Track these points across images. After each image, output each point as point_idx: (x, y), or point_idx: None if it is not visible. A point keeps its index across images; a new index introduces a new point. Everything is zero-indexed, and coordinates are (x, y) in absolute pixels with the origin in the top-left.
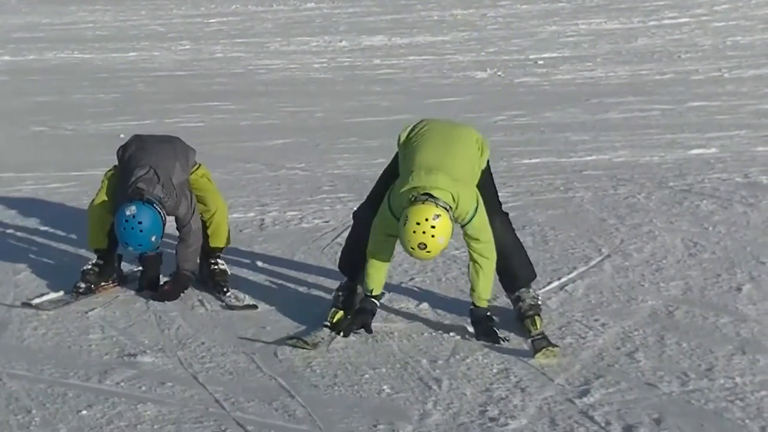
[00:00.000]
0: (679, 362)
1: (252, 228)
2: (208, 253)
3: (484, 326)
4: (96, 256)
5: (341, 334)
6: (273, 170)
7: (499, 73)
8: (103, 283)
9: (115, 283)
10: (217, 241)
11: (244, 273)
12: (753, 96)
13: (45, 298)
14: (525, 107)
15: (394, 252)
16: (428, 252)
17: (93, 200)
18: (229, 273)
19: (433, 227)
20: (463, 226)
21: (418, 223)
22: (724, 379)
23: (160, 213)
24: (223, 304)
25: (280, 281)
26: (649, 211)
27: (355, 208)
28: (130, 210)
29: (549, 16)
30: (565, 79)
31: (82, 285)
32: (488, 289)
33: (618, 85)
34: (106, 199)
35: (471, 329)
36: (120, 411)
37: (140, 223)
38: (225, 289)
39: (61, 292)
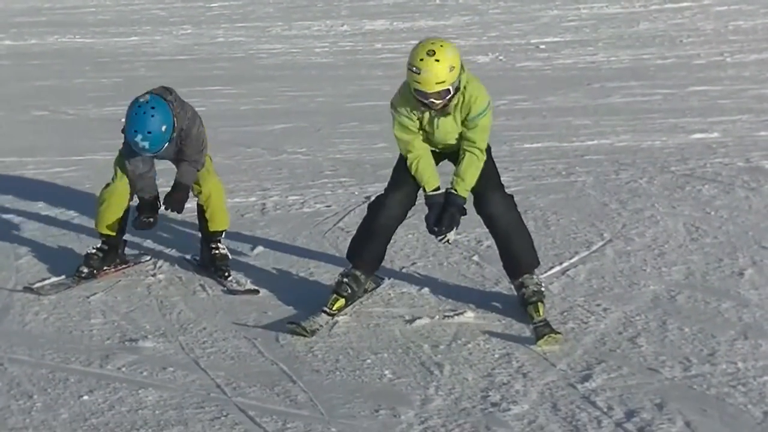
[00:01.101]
0: (681, 347)
1: (253, 212)
2: (208, 237)
3: (454, 215)
4: (101, 241)
5: (446, 234)
6: (274, 155)
7: (501, 57)
8: (105, 268)
9: (117, 269)
10: (216, 225)
11: (246, 258)
12: (755, 80)
13: (46, 282)
14: (526, 92)
15: (414, 200)
16: (437, 60)
17: (108, 185)
18: (230, 257)
19: (441, 46)
20: (472, 119)
21: (426, 38)
22: (727, 364)
23: (171, 112)
24: (225, 288)
25: (281, 266)
26: (650, 195)
27: (358, 193)
28: (144, 98)
29: (551, 1)
30: (567, 64)
31: (85, 270)
32: (473, 183)
33: (620, 69)
34: (121, 184)
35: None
36: (121, 396)
37: (153, 108)
38: (227, 274)
39: (63, 276)
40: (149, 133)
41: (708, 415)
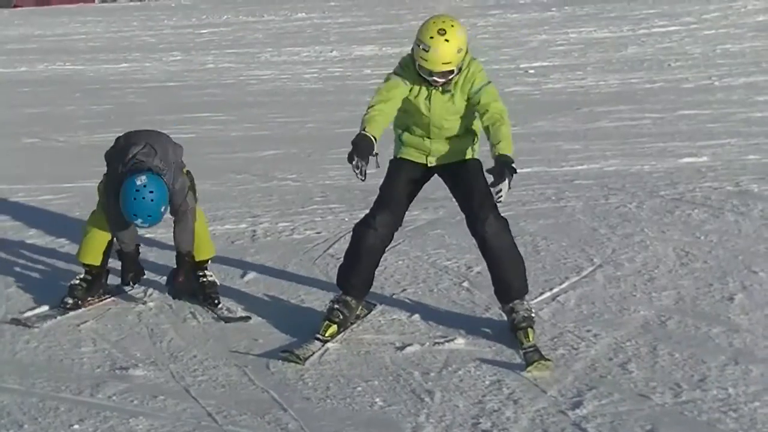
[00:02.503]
0: (671, 373)
1: (244, 239)
2: (195, 267)
3: (505, 170)
4: (84, 271)
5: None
6: (264, 181)
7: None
8: (89, 299)
9: (102, 299)
10: (202, 254)
11: (237, 284)
12: (743, 104)
13: (32, 313)
14: (515, 116)
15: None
16: (447, 40)
17: (92, 214)
18: (218, 284)
19: (452, 26)
20: (476, 93)
21: (438, 16)
22: (717, 389)
23: (166, 184)
24: (216, 316)
25: (272, 293)
26: (640, 220)
27: (348, 220)
28: (141, 179)
29: (539, 25)
30: (556, 88)
31: (69, 300)
32: (510, 140)
33: (608, 93)
34: (103, 214)
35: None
36: (112, 425)
37: (151, 192)
38: (216, 301)
39: (46, 308)
40: (149, 216)
41: None
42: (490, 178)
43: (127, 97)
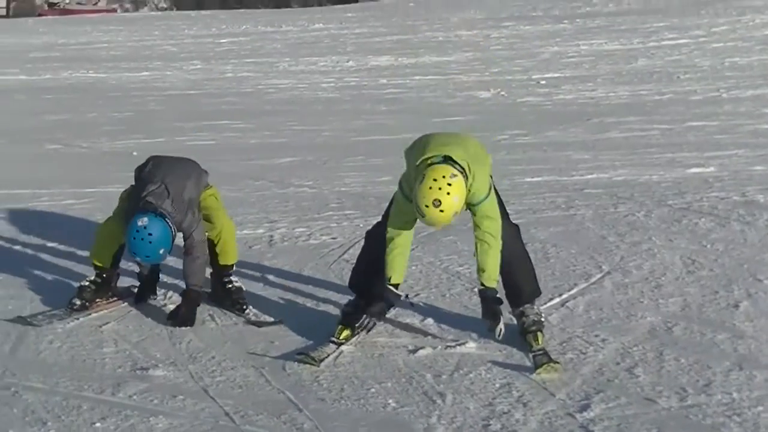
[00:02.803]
0: (677, 378)
1: (261, 244)
2: (220, 272)
3: (493, 307)
4: (95, 274)
5: (359, 330)
6: (281, 187)
7: (502, 92)
8: (97, 300)
9: (109, 301)
10: (226, 259)
11: (254, 288)
12: (751, 116)
13: (38, 313)
14: (527, 126)
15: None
16: (441, 211)
17: (108, 218)
18: (244, 290)
19: (449, 185)
20: (473, 206)
21: (435, 180)
22: (722, 394)
23: (170, 227)
24: (246, 320)
25: (288, 296)
26: (648, 228)
27: (363, 226)
28: (143, 221)
29: (551, 37)
30: (567, 99)
31: (77, 301)
32: (497, 270)
33: (618, 105)
34: (119, 220)
35: (470, 339)
36: (133, 423)
37: (150, 234)
38: (244, 307)
39: (49, 308)
40: (147, 256)
41: None
42: (486, 322)
43: (148, 105)
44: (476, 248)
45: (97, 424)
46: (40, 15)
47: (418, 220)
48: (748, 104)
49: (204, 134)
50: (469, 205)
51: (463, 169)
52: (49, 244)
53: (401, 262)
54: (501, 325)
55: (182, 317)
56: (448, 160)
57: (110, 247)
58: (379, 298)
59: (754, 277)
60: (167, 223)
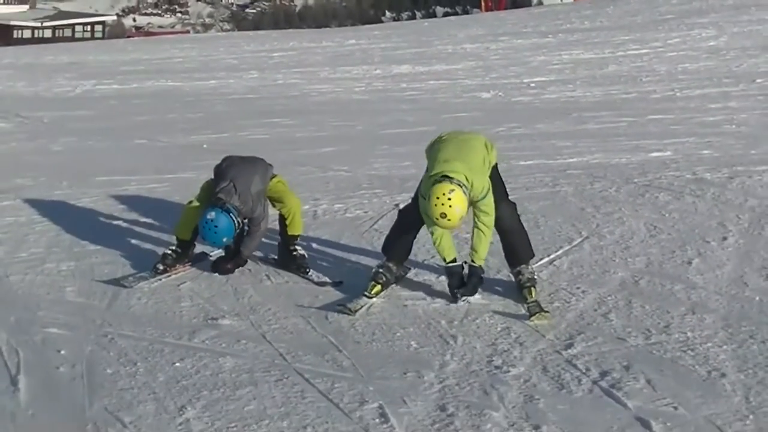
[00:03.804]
0: (643, 321)
1: (307, 218)
2: (288, 240)
3: (476, 284)
4: (176, 244)
5: (459, 295)
6: (323, 172)
7: (500, 93)
8: (177, 265)
9: (186, 268)
10: (294, 230)
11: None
12: (699, 111)
13: (130, 276)
14: (520, 120)
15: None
16: (449, 220)
17: (190, 201)
18: (306, 257)
19: (449, 199)
20: (476, 202)
21: (438, 197)
22: (679, 333)
23: (234, 221)
24: (309, 281)
25: (329, 260)
26: (618, 201)
27: (389, 202)
28: (211, 215)
29: (539, 48)
30: (552, 98)
31: (161, 266)
32: (485, 253)
33: (593, 102)
34: (198, 203)
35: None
36: (205, 363)
37: (216, 226)
38: (307, 270)
39: (141, 272)
40: (213, 242)
41: (664, 374)
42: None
43: (216, 107)
44: (473, 233)
45: (177, 364)
46: (128, 37)
47: None
48: (697, 101)
49: (260, 130)
50: (472, 202)
51: (460, 182)
52: (137, 219)
53: (448, 243)
54: (465, 296)
55: (224, 269)
56: (446, 178)
57: (191, 224)
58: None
59: (703, 239)
60: (232, 218)
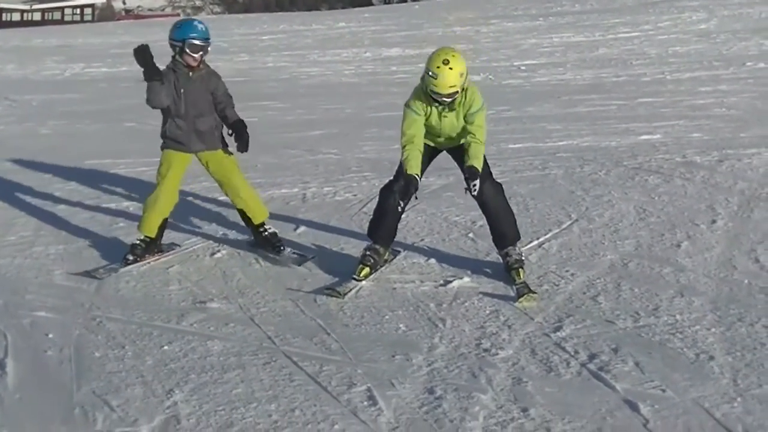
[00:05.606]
0: (632, 303)
1: (296, 201)
2: (256, 227)
3: (475, 173)
4: (144, 235)
5: (401, 203)
6: (312, 155)
7: (490, 76)
8: (146, 255)
9: (157, 257)
10: (260, 217)
11: (291, 236)
12: (689, 93)
13: (101, 266)
14: (510, 103)
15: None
16: (451, 68)
17: (156, 194)
18: (278, 233)
19: (454, 56)
20: (470, 115)
21: (442, 48)
22: (667, 316)
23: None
24: (280, 259)
25: (318, 243)
26: (608, 184)
27: (378, 185)
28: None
29: (529, 32)
30: (542, 81)
31: (130, 257)
32: (481, 159)
33: (583, 85)
34: (164, 195)
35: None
36: (193, 346)
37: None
38: (281, 248)
39: (112, 263)
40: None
41: (653, 357)
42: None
43: None
44: (468, 146)
45: (165, 347)
46: (118, 19)
47: (425, 118)
48: (687, 84)
49: (249, 112)
50: (467, 115)
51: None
52: (126, 202)
53: (416, 158)
54: (476, 182)
55: (246, 141)
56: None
57: (159, 218)
58: (404, 183)
59: (692, 222)
60: None
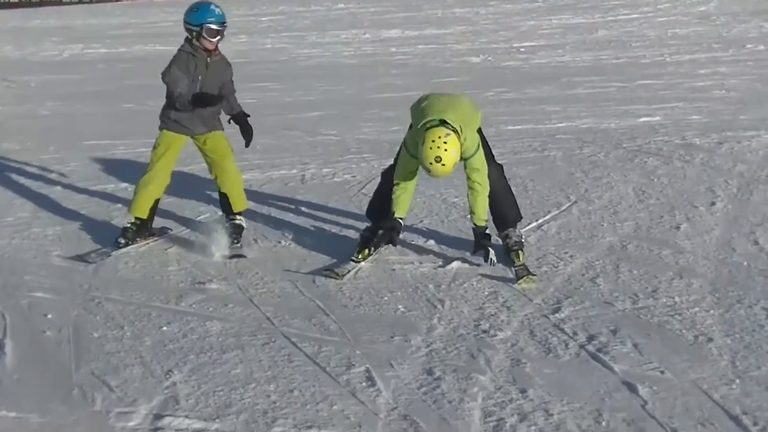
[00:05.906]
0: (630, 285)
1: (295, 182)
2: (231, 212)
3: (482, 241)
4: (134, 217)
5: (372, 249)
6: (311, 136)
7: (489, 58)
8: (138, 239)
9: (148, 241)
10: (240, 206)
11: (289, 218)
12: (689, 76)
13: (93, 250)
14: (510, 85)
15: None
16: (443, 165)
17: (149, 175)
18: (244, 228)
19: (445, 143)
20: (466, 160)
21: (433, 140)
22: (666, 298)
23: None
24: (226, 253)
25: (317, 224)
26: (607, 166)
27: (378, 167)
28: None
29: (528, 13)
30: (542, 63)
31: (122, 240)
32: (485, 211)
33: (583, 67)
34: (158, 176)
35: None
36: (192, 327)
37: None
38: (236, 241)
39: (104, 247)
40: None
41: (652, 338)
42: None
43: None
44: (468, 195)
45: (164, 328)
46: (117, 0)
47: (421, 170)
48: (687, 66)
49: (249, 94)
50: (462, 159)
51: (455, 129)
52: (124, 184)
53: (405, 200)
54: (492, 255)
55: (250, 132)
56: (443, 123)
57: (149, 200)
58: (388, 228)
59: (691, 204)
60: None
